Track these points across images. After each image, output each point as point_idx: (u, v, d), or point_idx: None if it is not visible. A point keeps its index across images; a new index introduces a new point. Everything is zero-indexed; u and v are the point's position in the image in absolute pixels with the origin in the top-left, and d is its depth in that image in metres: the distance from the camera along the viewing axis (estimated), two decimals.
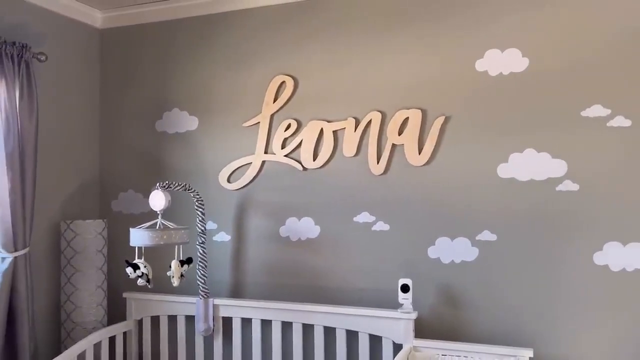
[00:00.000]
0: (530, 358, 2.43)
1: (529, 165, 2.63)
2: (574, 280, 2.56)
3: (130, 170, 3.47)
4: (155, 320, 3.22)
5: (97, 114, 3.56)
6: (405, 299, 2.67)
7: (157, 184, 2.78)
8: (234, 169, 3.19)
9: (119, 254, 3.35)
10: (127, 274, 2.74)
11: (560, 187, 2.58)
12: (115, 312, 3.33)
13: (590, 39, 2.55)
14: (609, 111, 2.51)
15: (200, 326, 3.04)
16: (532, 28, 2.64)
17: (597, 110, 2.53)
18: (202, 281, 3.03)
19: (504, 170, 2.68)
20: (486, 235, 2.71)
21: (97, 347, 2.94)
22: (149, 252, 2.83)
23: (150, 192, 3.34)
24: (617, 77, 2.51)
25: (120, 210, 3.49)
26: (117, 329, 3.11)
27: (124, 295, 3.23)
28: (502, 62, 2.69)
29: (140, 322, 3.25)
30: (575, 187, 2.56)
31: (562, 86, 2.59)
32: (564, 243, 2.58)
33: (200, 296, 3.04)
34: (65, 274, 3.10)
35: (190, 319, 3.14)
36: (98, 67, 3.56)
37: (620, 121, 2.50)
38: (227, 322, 3.07)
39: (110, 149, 3.54)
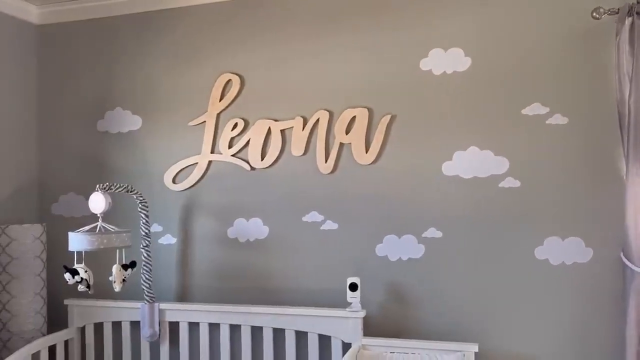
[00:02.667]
0: (475, 352, 2.48)
1: (472, 162, 2.68)
2: (516, 274, 2.62)
3: (71, 172, 3.34)
4: (98, 327, 3.11)
5: (35, 113, 3.40)
6: (353, 297, 2.67)
7: (97, 186, 2.68)
8: (179, 169, 3.11)
9: (60, 259, 3.18)
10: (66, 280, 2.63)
11: (502, 184, 2.64)
12: (56, 320, 3.17)
13: (529, 39, 2.62)
14: (547, 109, 2.58)
15: (145, 332, 2.95)
16: (474, 28, 2.69)
17: (536, 109, 2.60)
18: (147, 285, 2.94)
19: (449, 168, 2.71)
20: (432, 233, 2.73)
21: (35, 357, 2.80)
22: (92, 257, 2.71)
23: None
24: (554, 76, 2.58)
25: (61, 214, 3.35)
26: (57, 338, 2.98)
27: (65, 302, 3.11)
28: (446, 61, 2.72)
29: (82, 330, 3.12)
30: (516, 183, 2.62)
31: (503, 85, 2.65)
32: (506, 238, 2.64)
33: (146, 301, 2.94)
34: (0, 282, 2.95)
35: (135, 325, 3.04)
36: (35, 64, 3.41)
37: (558, 119, 2.57)
38: (174, 326, 2.99)
39: (49, 150, 3.39)
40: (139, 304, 2.98)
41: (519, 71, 2.62)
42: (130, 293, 2.97)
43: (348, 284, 2.67)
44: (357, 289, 2.66)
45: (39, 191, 3.39)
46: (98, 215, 2.66)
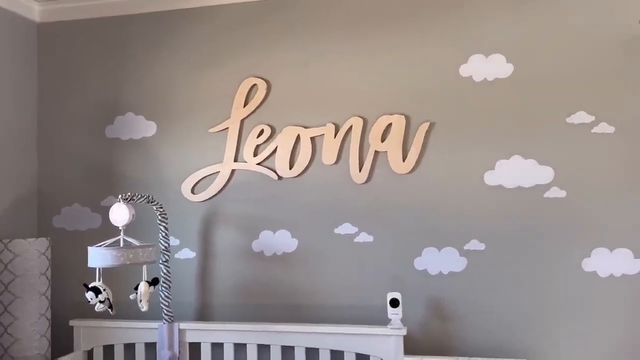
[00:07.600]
0: None
1: (516, 172, 2.59)
2: (563, 287, 2.54)
3: (75, 182, 3.09)
4: (108, 350, 2.86)
5: (35, 117, 3.14)
6: (394, 314, 2.53)
7: (119, 196, 2.46)
8: (199, 178, 2.92)
9: (62, 276, 2.96)
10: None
11: (547, 194, 2.56)
12: (61, 343, 2.91)
13: (573, 46, 2.57)
14: (593, 118, 2.53)
15: (164, 354, 2.72)
16: (517, 34, 2.62)
17: (581, 117, 2.54)
18: (167, 304, 2.71)
19: (491, 178, 2.62)
20: (474, 245, 2.63)
21: None
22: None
23: (99, 206, 3.03)
24: (600, 84, 2.53)
25: (64, 227, 3.08)
26: None
27: (71, 323, 2.85)
28: (487, 67, 2.64)
29: (90, 353, 2.87)
30: (562, 193, 2.55)
31: (547, 92, 2.58)
32: (553, 250, 2.55)
33: (164, 320, 2.72)
34: (1, 302, 2.67)
35: (150, 347, 2.81)
36: (35, 66, 3.15)
37: (604, 127, 2.52)
38: (195, 348, 2.77)
39: (50, 158, 3.13)
40: (154, 324, 2.75)
41: (563, 79, 2.57)
42: (141, 312, 2.71)
43: (388, 300, 2.53)
44: (398, 305, 2.52)
45: (39, 202, 3.12)
46: (120, 227, 2.43)
